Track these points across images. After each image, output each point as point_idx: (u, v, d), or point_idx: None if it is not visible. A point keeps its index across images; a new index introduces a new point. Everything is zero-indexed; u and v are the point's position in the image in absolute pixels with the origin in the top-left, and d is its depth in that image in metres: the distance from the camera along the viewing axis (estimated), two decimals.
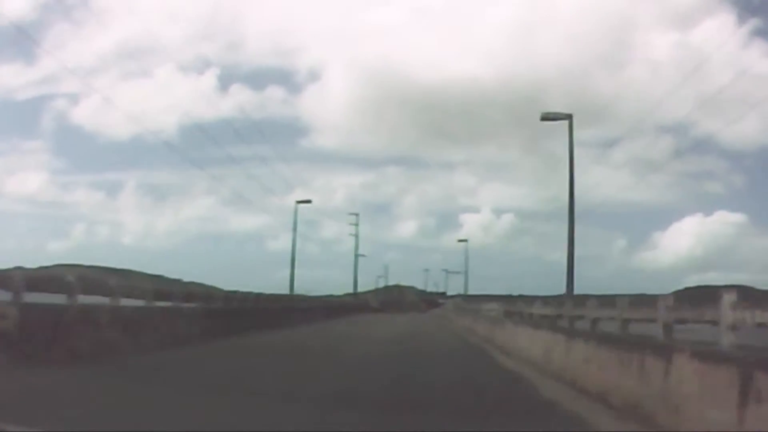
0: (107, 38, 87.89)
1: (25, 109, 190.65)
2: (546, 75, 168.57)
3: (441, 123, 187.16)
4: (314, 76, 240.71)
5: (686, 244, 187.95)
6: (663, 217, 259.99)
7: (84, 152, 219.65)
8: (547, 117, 28.70)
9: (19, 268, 15.67)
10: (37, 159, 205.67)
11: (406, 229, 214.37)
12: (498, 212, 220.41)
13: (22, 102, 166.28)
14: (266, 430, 7.62)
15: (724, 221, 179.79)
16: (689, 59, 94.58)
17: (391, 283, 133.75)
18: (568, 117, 28.30)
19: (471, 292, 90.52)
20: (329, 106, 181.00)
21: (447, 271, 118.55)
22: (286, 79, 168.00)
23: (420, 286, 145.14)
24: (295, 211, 51.79)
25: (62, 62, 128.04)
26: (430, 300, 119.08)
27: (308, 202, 52.68)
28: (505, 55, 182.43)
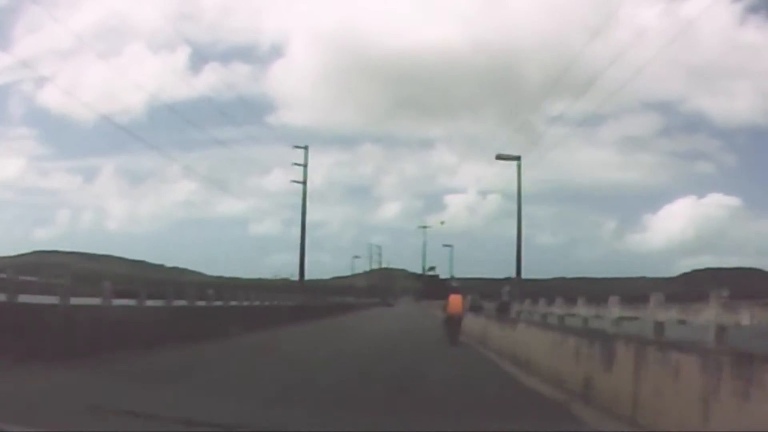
0: (79, 20, 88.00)
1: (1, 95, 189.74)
2: (523, 42, 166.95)
3: (414, 94, 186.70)
4: (280, 50, 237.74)
5: (678, 227, 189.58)
6: (654, 198, 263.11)
7: (63, 137, 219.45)
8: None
9: None
10: (17, 145, 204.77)
11: (389, 211, 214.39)
12: (483, 193, 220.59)
13: None
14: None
15: (718, 204, 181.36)
16: (679, 30, 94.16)
17: (358, 266, 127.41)
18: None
19: (457, 275, 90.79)
20: (297, 82, 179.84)
21: (433, 268, 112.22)
22: (252, 55, 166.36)
23: (411, 269, 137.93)
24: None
25: (40, 48, 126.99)
26: (435, 286, 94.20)
27: (304, 183, 52.92)
28: (477, 19, 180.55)
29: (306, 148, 53.74)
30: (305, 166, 53.28)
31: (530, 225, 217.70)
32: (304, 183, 53.21)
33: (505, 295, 36.67)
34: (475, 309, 36.55)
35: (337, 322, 43.83)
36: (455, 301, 24.63)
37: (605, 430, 8.47)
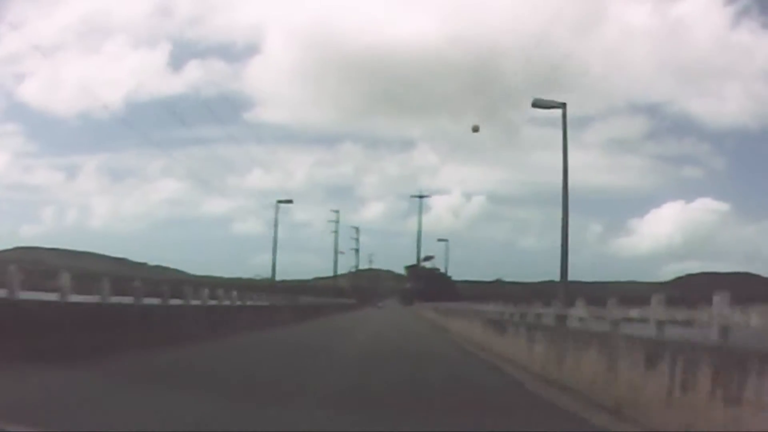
0: (64, 15, 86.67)
1: None
2: (504, 38, 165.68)
3: (393, 92, 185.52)
4: (256, 47, 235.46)
5: (665, 232, 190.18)
6: (641, 203, 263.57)
7: (47, 133, 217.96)
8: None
9: None
10: (2, 141, 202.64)
11: (372, 211, 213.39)
12: (468, 195, 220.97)
13: None
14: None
15: (706, 209, 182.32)
16: (667, 29, 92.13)
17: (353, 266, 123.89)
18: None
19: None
20: (274, 79, 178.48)
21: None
22: (230, 52, 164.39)
23: (398, 270, 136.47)
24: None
25: (22, 43, 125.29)
26: (436, 283, 73.75)
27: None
28: (456, 14, 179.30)
29: None
30: None
31: (515, 228, 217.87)
32: None
33: None
34: None
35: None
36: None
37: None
